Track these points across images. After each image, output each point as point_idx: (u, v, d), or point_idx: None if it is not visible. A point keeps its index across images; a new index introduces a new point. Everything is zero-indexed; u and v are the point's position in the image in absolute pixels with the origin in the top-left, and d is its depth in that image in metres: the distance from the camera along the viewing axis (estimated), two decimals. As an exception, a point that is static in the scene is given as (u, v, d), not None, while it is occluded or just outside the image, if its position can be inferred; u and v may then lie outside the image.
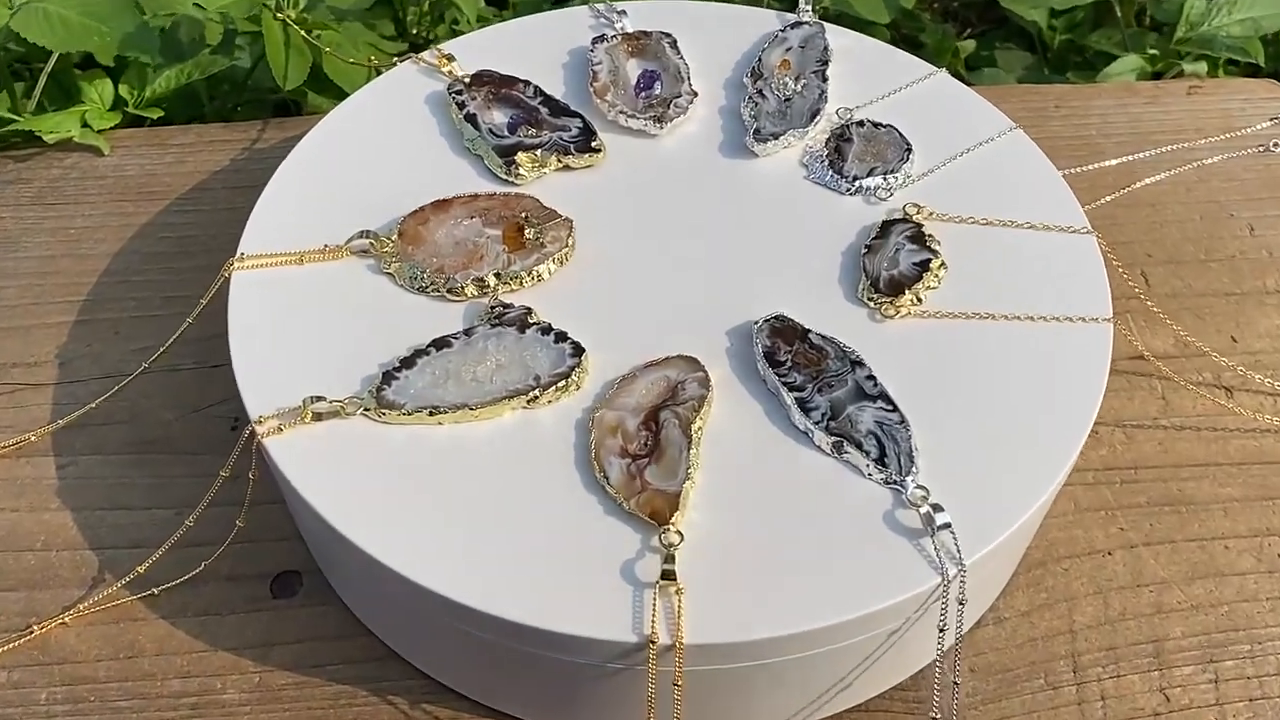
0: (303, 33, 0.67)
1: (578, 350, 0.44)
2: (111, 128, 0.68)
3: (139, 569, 0.47)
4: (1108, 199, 0.64)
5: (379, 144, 0.53)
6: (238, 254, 0.48)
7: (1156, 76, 0.78)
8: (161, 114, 0.69)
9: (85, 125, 0.67)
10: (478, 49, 0.57)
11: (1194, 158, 0.66)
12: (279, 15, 0.67)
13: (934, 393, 0.44)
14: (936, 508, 0.39)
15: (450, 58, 0.56)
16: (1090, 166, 0.65)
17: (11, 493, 0.51)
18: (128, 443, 0.53)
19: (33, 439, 0.52)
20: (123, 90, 0.70)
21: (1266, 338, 0.57)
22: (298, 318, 0.46)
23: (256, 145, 0.68)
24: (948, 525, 0.39)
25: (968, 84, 0.62)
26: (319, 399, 0.42)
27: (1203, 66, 0.78)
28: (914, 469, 0.41)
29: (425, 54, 0.57)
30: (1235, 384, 0.55)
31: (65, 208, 0.64)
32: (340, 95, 0.69)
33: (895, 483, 0.40)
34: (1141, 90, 0.72)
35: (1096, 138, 0.68)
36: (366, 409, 0.42)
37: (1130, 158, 0.66)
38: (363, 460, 0.41)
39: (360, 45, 0.73)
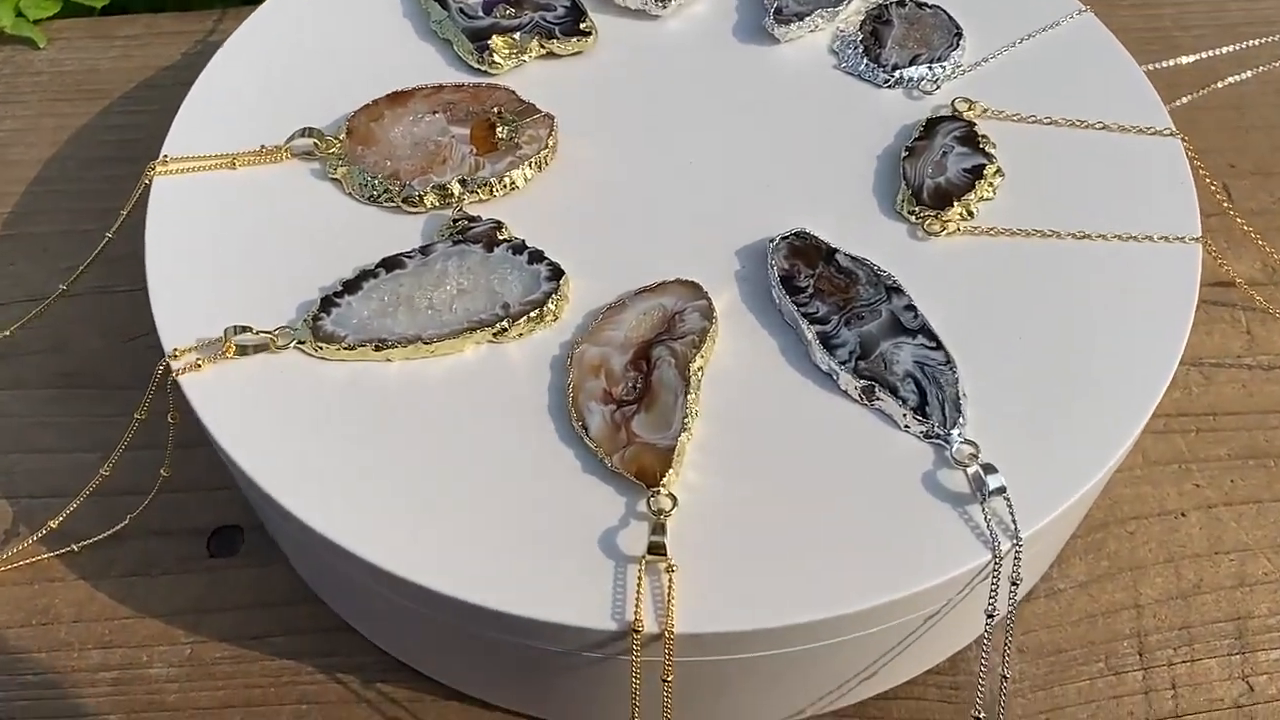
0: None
1: (556, 273, 0.37)
2: (49, 18, 0.61)
3: (52, 523, 0.40)
4: (1184, 100, 0.55)
5: (331, 27, 0.45)
6: (160, 155, 0.41)
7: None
8: (107, 2, 0.61)
9: (19, 14, 0.60)
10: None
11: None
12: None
13: (987, 326, 0.36)
14: (988, 468, 0.32)
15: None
16: (1165, 63, 0.57)
17: (-85, 431, 0.45)
18: (49, 375, 0.46)
19: (-58, 370, 0.46)
20: (63, -27, 0.62)
21: (1368, 262, 0.49)
22: (228, 231, 0.39)
23: (212, 37, 0.60)
24: (1002, 490, 0.32)
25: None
26: (244, 329, 0.35)
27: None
28: (961, 419, 0.33)
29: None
30: (1331, 316, 0.47)
31: (-8, 106, 0.57)
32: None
33: (938, 436, 0.33)
34: (1224, -25, 0.62)
35: (1172, 30, 0.59)
36: (300, 341, 0.35)
37: (1211, 53, 0.57)
38: (296, 404, 0.34)
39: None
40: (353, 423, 0.34)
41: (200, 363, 0.35)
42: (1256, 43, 0.58)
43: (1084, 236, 0.38)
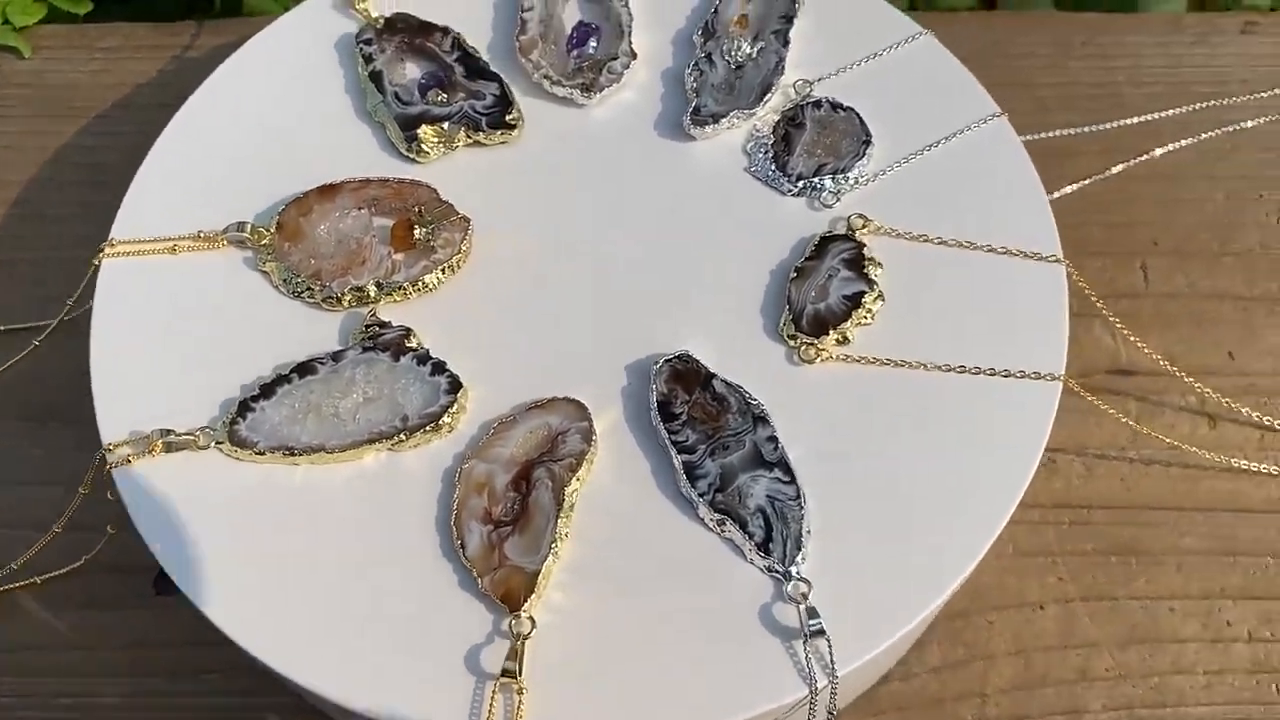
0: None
1: (454, 386, 0.40)
2: (35, 23, 0.63)
3: (14, 564, 0.45)
4: (1118, 169, 0.56)
5: (278, 102, 0.47)
6: (108, 239, 0.44)
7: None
8: (90, 7, 0.64)
9: (5, 21, 0.62)
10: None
11: (1232, 118, 0.58)
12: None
13: (846, 457, 0.39)
14: (812, 612, 0.36)
15: (363, -4, 0.49)
16: (1106, 125, 0.58)
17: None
18: (22, 408, 0.51)
19: (-77, 401, 0.50)
20: (48, -23, 0.64)
21: (1269, 357, 0.51)
22: (167, 319, 0.42)
23: (188, 53, 0.62)
24: (821, 632, 0.35)
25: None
26: (169, 431, 0.39)
27: (1268, -5, 0.67)
28: (800, 556, 0.37)
29: (338, -13, 0.50)
30: (1221, 413, 0.49)
31: (-25, 120, 0.60)
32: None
33: (777, 572, 0.37)
34: (1188, 25, 0.62)
35: (1123, 85, 0.60)
36: (219, 443, 0.39)
37: (1156, 116, 0.58)
38: (210, 502, 0.39)
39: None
40: (256, 524, 0.38)
41: (130, 458, 0.39)
42: (1204, 105, 0.59)
43: (949, 369, 0.41)
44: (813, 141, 0.45)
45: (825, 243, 0.43)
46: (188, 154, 0.46)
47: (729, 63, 0.47)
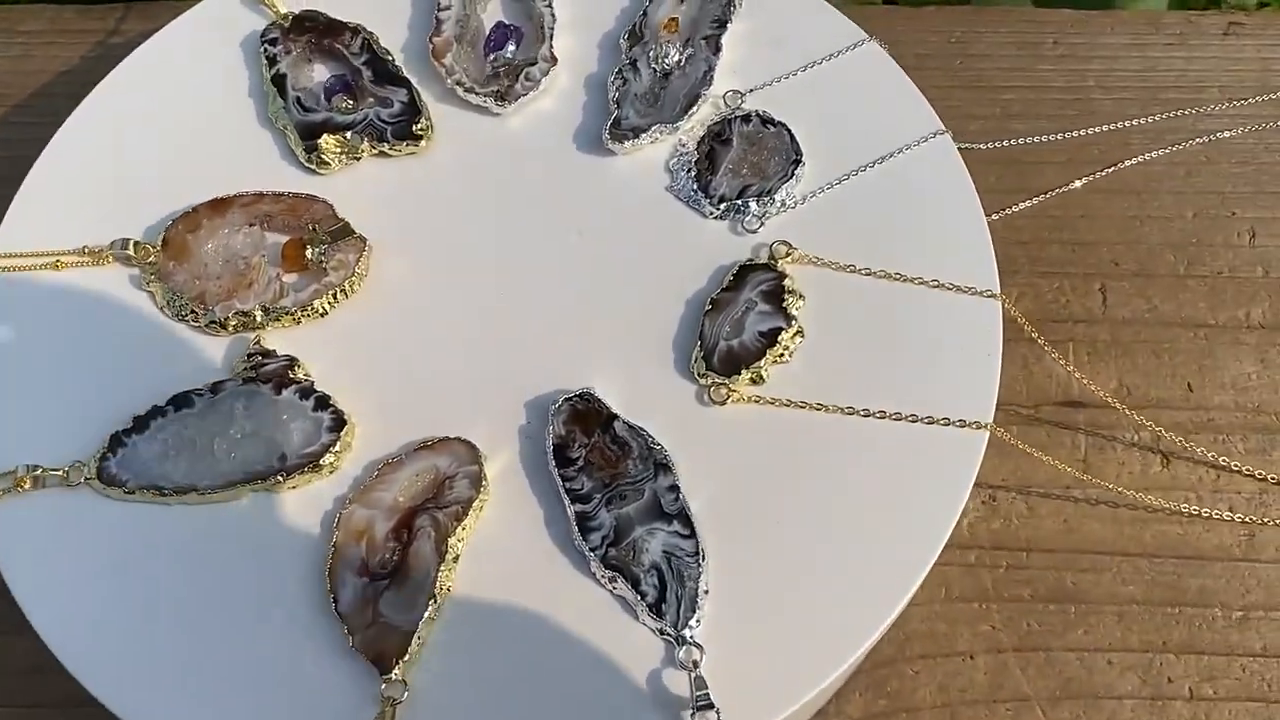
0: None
1: (338, 423, 0.37)
2: (-44, 4, 0.60)
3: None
4: (1079, 183, 0.53)
5: (179, 104, 0.45)
6: (-11, 249, 0.42)
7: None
8: (14, -15, 0.61)
9: (-76, 2, 0.59)
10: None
11: (1207, 129, 0.55)
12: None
13: (752, 506, 0.37)
14: (701, 683, 0.33)
15: (278, -13, 0.46)
16: (1072, 134, 0.55)
17: None
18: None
19: None
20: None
21: (1230, 390, 0.48)
22: (45, 341, 0.40)
23: (113, 39, 0.59)
24: (710, 705, 0.33)
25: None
26: (35, 467, 0.37)
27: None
28: (695, 619, 0.34)
29: (250, -24, 0.47)
30: (1175, 450, 0.47)
31: (-108, 107, 0.57)
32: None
33: (669, 635, 0.34)
34: (1168, 24, 0.58)
35: (1093, 90, 0.56)
36: (89, 479, 0.37)
37: (1126, 124, 0.55)
38: (81, 539, 0.36)
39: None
40: (120, 567, 0.36)
41: (-4, 494, 0.37)
42: (1178, 114, 0.56)
43: (869, 414, 0.38)
44: (739, 160, 0.42)
45: (744, 272, 0.40)
46: (80, 158, 0.44)
47: (655, 70, 0.44)
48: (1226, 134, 0.54)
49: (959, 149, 0.43)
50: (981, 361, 0.39)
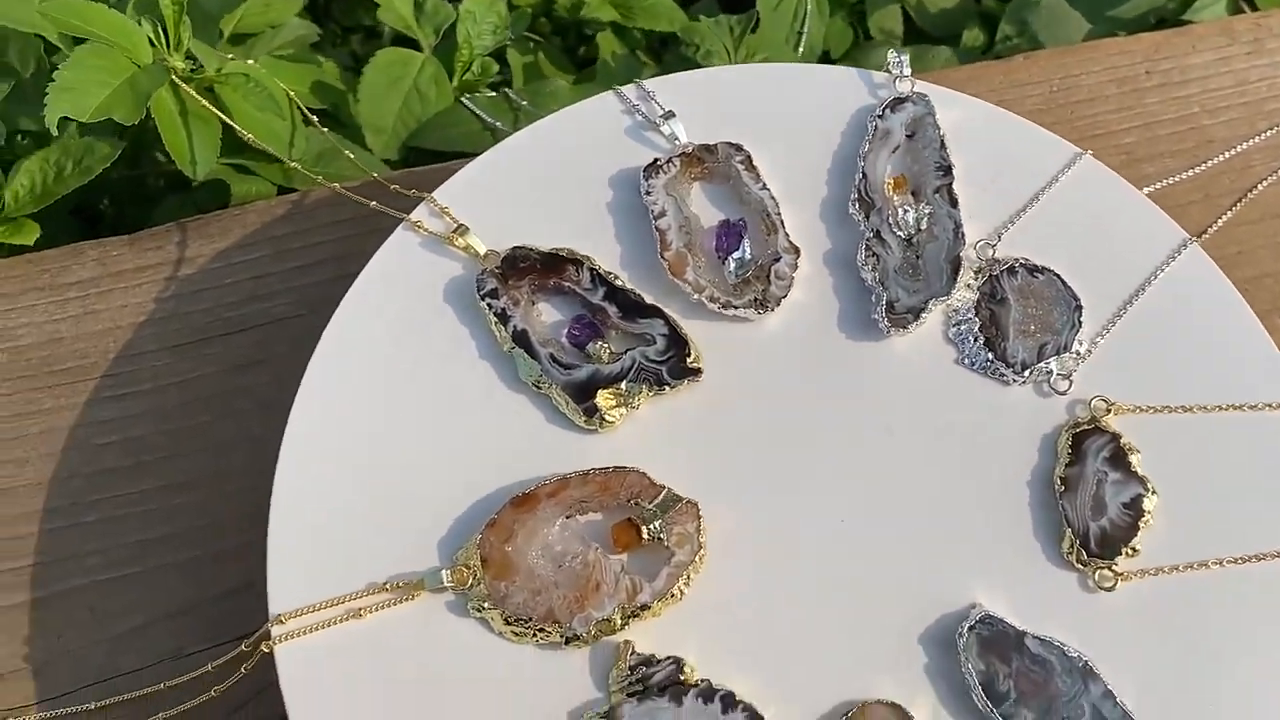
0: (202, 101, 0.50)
1: (754, 718, 0.35)
2: (-25, 266, 0.52)
3: None
4: (1222, 221, 0.54)
5: (401, 392, 0.40)
6: (272, 613, 0.37)
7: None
8: (39, 232, 0.53)
9: (-59, 272, 0.51)
10: (481, 192, 0.43)
11: (1316, 135, 0.57)
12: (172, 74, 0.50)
13: (1181, 689, 0.36)
14: None
15: (462, 229, 0.42)
16: (1198, 169, 0.55)
17: None
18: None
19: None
20: (-32, 197, 0.52)
21: None
22: (379, 705, 0.36)
23: (182, 271, 0.52)
24: None
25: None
26: None
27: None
28: (1181, 826, 0.34)
29: (419, 212, 0.42)
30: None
31: (-44, 411, 0.49)
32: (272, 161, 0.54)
33: None
34: (1239, 32, 0.60)
35: (1201, 116, 0.57)
36: None
37: (1241, 147, 0.56)
38: None
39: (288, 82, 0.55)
40: None
41: None
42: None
43: (1262, 558, 0.38)
44: (1023, 318, 0.41)
45: (1079, 442, 0.39)
46: (316, 490, 0.39)
47: (899, 237, 0.42)
48: (1337, 136, 0.56)
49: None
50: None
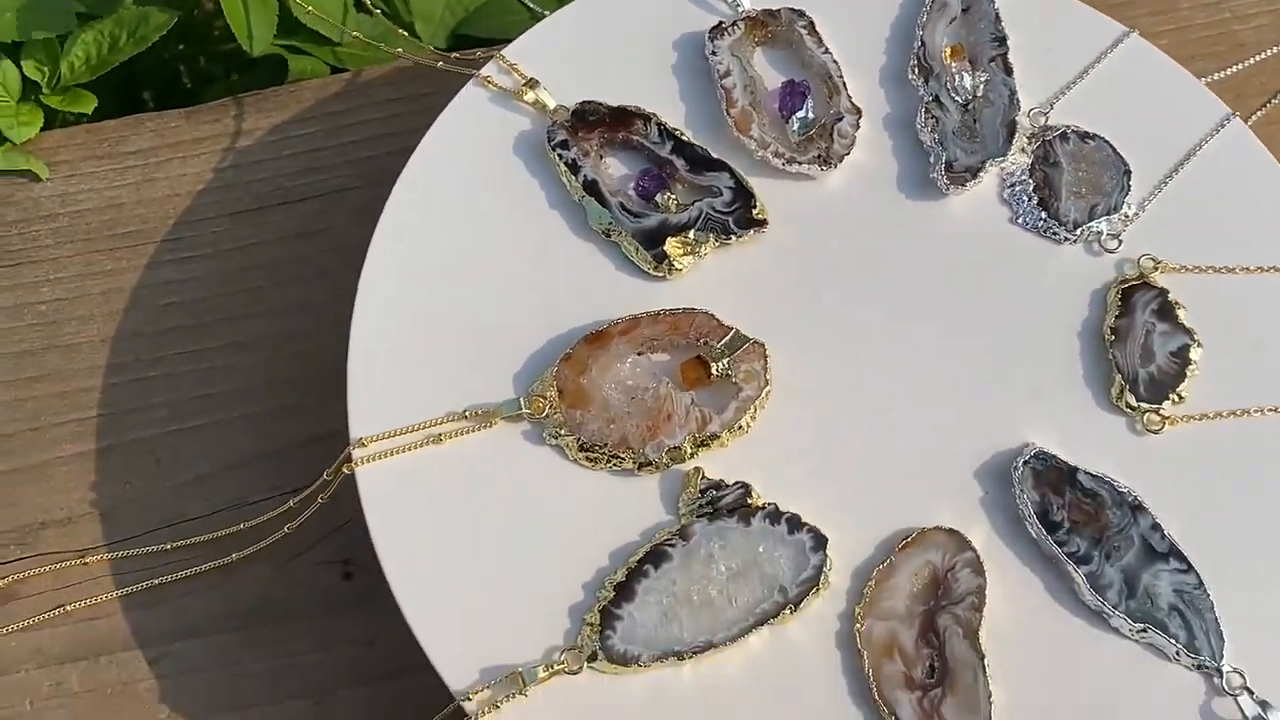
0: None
1: (819, 541, 0.37)
2: (37, 134, 0.52)
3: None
4: (1253, 120, 0.56)
5: (476, 236, 0.41)
6: (353, 437, 0.38)
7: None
8: (96, 102, 0.53)
9: (3, 139, 0.52)
10: (548, 52, 0.44)
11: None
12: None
13: (1227, 527, 0.38)
14: (1265, 704, 0.35)
15: (532, 83, 0.43)
16: (1230, 70, 0.57)
17: (107, 709, 0.43)
18: (225, 616, 0.44)
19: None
20: (29, 69, 0.53)
21: None
22: (462, 528, 0.37)
23: (239, 143, 0.53)
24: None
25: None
26: (534, 667, 0.35)
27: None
28: (1224, 647, 0.36)
29: (489, 69, 0.43)
30: None
31: (20, 270, 0.50)
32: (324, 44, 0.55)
33: (1209, 668, 0.36)
34: (1267, -61, 0.61)
35: (1231, 22, 0.59)
36: (592, 662, 0.35)
37: (1271, 51, 0.58)
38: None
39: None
40: (666, 737, 0.35)
41: (496, 703, 0.35)
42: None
43: (1293, 411, 0.40)
44: (1076, 180, 0.42)
45: (1129, 296, 0.41)
46: (394, 325, 0.40)
47: (958, 100, 0.43)
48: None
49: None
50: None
